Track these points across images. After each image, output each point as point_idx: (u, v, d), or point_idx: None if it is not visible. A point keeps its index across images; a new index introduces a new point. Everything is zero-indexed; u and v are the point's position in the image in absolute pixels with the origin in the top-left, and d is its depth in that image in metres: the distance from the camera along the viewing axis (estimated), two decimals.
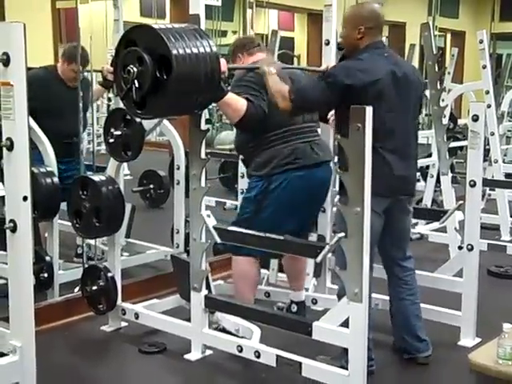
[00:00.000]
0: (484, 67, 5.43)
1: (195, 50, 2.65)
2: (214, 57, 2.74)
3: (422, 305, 3.17)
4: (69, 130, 3.95)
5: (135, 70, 2.63)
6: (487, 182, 4.93)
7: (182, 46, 2.60)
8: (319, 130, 3.46)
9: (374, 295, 3.20)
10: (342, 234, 2.61)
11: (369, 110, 2.49)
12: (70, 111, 3.92)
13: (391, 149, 2.85)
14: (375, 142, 2.68)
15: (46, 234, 3.79)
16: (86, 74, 4.35)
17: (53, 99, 4.09)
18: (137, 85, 2.64)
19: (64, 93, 4.10)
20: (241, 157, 3.57)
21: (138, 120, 3.35)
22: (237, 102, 3.04)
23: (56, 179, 3.66)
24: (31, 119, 3.54)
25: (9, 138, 2.20)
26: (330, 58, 3.48)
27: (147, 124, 3.36)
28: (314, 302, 3.62)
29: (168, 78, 2.60)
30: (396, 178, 2.89)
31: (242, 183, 4.11)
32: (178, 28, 2.71)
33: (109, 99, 8.11)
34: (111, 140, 3.36)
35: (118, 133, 3.34)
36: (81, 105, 3.94)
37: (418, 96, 3.04)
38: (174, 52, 2.57)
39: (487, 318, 3.25)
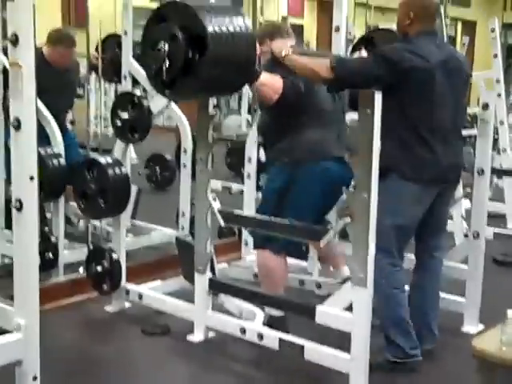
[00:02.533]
0: (495, 56, 5.40)
1: (231, 30, 2.52)
2: (251, 38, 2.61)
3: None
4: (55, 111, 3.93)
5: (166, 47, 2.52)
6: (495, 171, 4.92)
7: (217, 25, 2.47)
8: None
9: None
10: (348, 219, 2.61)
11: (378, 94, 2.48)
12: (57, 92, 3.94)
13: (439, 138, 2.82)
14: (423, 131, 2.76)
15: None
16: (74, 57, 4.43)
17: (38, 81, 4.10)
18: (167, 64, 2.53)
19: (50, 74, 4.08)
20: (262, 140, 3.48)
21: (145, 103, 3.36)
22: (273, 81, 2.93)
23: (62, 160, 3.67)
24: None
25: (16, 118, 2.20)
26: (339, 45, 3.46)
27: (155, 107, 3.36)
28: (318, 286, 3.61)
29: (201, 58, 2.48)
30: (445, 166, 2.86)
31: (249, 167, 4.09)
32: (212, 6, 2.63)
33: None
34: (119, 123, 3.38)
35: (126, 116, 3.35)
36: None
37: (466, 86, 3.01)
38: (210, 30, 2.44)
39: (491, 305, 3.24)
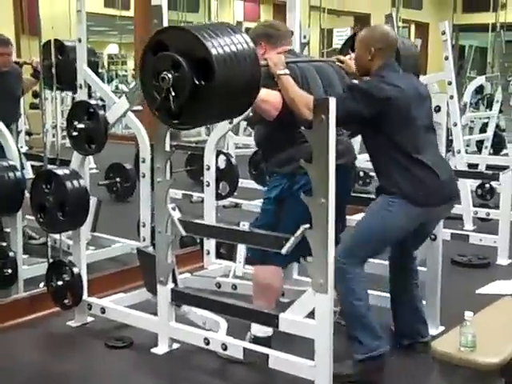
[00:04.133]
0: (446, 58, 5.50)
1: (234, 49, 2.42)
2: (253, 54, 2.52)
3: (385, 294, 3.26)
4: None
5: (170, 76, 2.41)
6: None
7: (220, 46, 2.38)
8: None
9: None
10: (307, 226, 2.62)
11: (332, 101, 2.50)
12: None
13: (430, 158, 2.89)
14: (416, 154, 2.83)
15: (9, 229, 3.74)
16: (15, 65, 4.41)
17: None
18: (173, 93, 2.43)
19: None
20: (260, 152, 3.35)
21: (101, 113, 3.32)
22: (272, 96, 2.84)
23: (19, 173, 3.62)
24: None
25: None
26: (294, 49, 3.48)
27: (111, 117, 3.34)
28: (281, 294, 3.61)
29: (208, 83, 2.38)
30: (445, 185, 2.94)
31: (208, 175, 4.09)
32: (210, 25, 2.52)
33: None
34: (74, 133, 3.33)
35: (82, 126, 3.31)
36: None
37: (431, 109, 3.11)
38: (214, 53, 2.35)
39: (450, 307, 3.30)
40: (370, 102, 2.78)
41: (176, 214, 3.05)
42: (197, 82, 2.40)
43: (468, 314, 2.37)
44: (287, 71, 2.83)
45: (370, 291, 3.35)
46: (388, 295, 3.24)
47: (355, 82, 3.08)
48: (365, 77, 3.01)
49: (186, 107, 2.47)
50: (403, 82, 2.89)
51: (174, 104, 2.45)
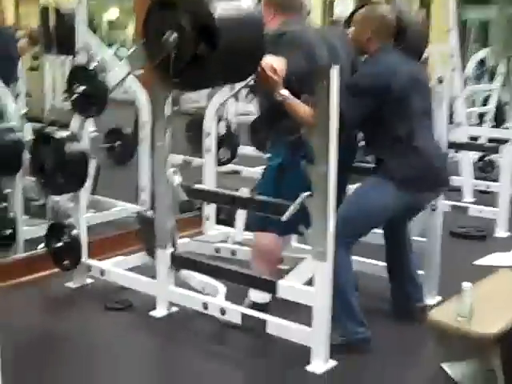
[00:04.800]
0: (449, 30, 5.44)
1: (241, 15, 2.37)
2: (260, 21, 2.46)
3: (384, 264, 3.26)
4: None
5: (173, 38, 2.37)
6: (451, 144, 4.98)
7: (226, 12, 2.33)
8: None
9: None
10: (308, 193, 2.62)
11: (334, 67, 2.49)
12: None
13: (424, 144, 2.88)
14: (410, 140, 2.83)
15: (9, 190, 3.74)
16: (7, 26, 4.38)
17: None
18: (174, 55, 2.38)
19: None
20: (263, 119, 3.27)
21: (102, 75, 3.30)
22: (279, 64, 2.72)
23: (19, 135, 3.61)
24: None
25: None
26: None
27: (111, 80, 3.32)
28: (281, 261, 3.63)
29: (211, 49, 2.33)
30: (437, 171, 2.95)
31: (208, 141, 4.08)
32: None
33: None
34: (75, 95, 3.31)
35: (82, 88, 3.29)
36: None
37: (430, 93, 3.07)
38: (220, 21, 2.29)
39: (448, 278, 3.31)
40: (369, 97, 2.78)
41: (177, 179, 3.05)
42: (199, 48, 2.35)
43: (465, 285, 2.39)
44: (286, 92, 2.71)
45: (368, 260, 3.41)
46: (385, 264, 3.26)
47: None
48: (362, 56, 3.00)
49: (185, 71, 2.43)
50: (399, 66, 2.86)
51: (174, 66, 2.41)
